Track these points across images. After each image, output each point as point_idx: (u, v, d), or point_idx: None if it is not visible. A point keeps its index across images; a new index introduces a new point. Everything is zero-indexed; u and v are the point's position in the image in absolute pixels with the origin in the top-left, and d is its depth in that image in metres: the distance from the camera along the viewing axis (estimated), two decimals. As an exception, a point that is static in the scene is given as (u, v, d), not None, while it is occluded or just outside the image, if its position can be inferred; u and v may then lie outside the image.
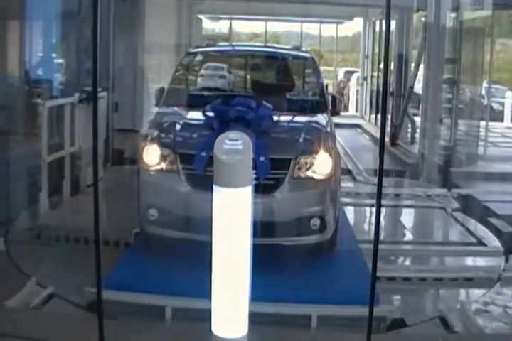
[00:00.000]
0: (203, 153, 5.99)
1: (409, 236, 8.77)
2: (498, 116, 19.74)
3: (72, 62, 11.47)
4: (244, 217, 3.31)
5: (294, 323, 5.52)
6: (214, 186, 3.24)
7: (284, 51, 9.49)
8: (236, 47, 10.23)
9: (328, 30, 25.10)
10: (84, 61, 10.60)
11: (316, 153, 6.31)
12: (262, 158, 5.97)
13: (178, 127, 6.81)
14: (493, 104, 18.18)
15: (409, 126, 14.64)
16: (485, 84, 14.97)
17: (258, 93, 7.33)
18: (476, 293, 6.58)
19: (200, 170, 5.97)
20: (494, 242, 8.06)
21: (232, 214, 3.29)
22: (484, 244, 7.98)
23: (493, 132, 16.39)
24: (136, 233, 7.24)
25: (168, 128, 6.76)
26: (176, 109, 7.55)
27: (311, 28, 25.43)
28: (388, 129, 14.14)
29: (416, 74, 14.04)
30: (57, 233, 7.39)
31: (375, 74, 19.40)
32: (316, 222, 6.17)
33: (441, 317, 5.77)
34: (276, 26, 26.17)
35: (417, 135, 13.96)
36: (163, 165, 6.31)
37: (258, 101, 6.85)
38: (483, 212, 9.24)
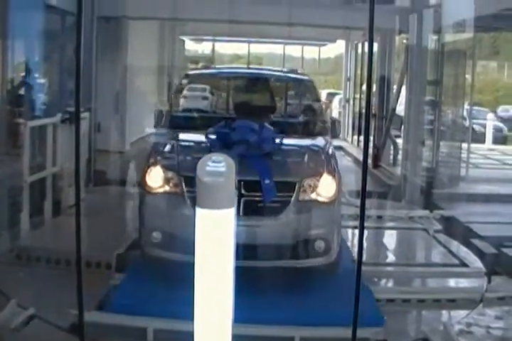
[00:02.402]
0: None
1: (391, 257, 8.77)
2: (479, 138, 19.89)
3: (55, 82, 11.46)
4: (227, 239, 3.29)
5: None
6: (197, 208, 3.23)
7: (283, 74, 9.60)
8: (236, 70, 10.23)
9: (311, 52, 25.27)
10: (66, 81, 10.59)
11: (320, 175, 6.36)
12: (267, 181, 6.04)
13: (180, 149, 6.83)
14: (474, 126, 18.30)
15: (392, 147, 14.69)
16: (466, 106, 15.08)
17: (257, 116, 7.34)
18: (459, 314, 6.57)
19: None
20: (476, 263, 8.06)
21: (214, 236, 3.27)
22: (467, 265, 7.98)
23: (475, 153, 16.49)
24: (118, 254, 7.20)
25: (170, 150, 6.78)
26: (175, 131, 7.52)
27: (294, 50, 25.59)
28: (371, 151, 14.18)
29: (398, 96, 14.13)
30: (38, 254, 7.32)
31: (358, 96, 19.49)
32: (320, 245, 6.21)
33: (424, 339, 5.77)
34: (258, 48, 26.30)
35: (400, 157, 14.02)
36: (167, 188, 6.29)
37: (260, 124, 6.89)
38: (465, 233, 9.26)
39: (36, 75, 11.49)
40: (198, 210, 3.24)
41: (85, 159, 10.37)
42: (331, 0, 13.71)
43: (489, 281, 7.51)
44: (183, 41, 22.13)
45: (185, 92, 8.88)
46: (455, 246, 8.83)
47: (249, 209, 6.05)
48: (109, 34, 12.22)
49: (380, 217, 10.16)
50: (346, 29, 17.27)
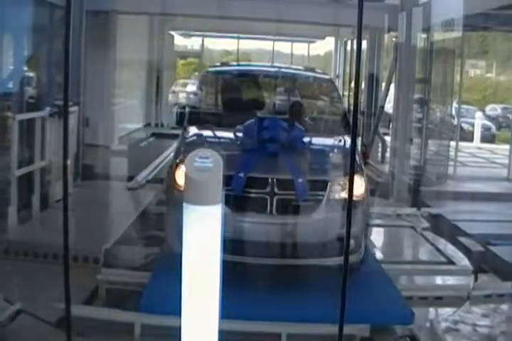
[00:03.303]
0: (241, 174, 6.05)
1: (379, 255, 8.79)
2: (468, 136, 19.97)
3: (44, 76, 11.42)
4: (214, 235, 3.28)
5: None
6: (184, 204, 3.23)
7: (304, 72, 9.58)
8: (259, 67, 10.18)
9: (300, 48, 25.25)
10: (55, 75, 10.56)
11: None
12: (300, 180, 6.06)
13: (209, 147, 6.78)
14: (463, 124, 18.37)
15: (380, 145, 14.72)
16: (455, 104, 15.12)
17: (281, 114, 7.32)
18: (446, 311, 6.60)
19: (239, 191, 6.02)
20: (463, 261, 8.10)
21: (202, 231, 3.26)
22: (454, 263, 8.01)
23: (463, 152, 16.56)
24: (106, 249, 7.20)
25: (200, 147, 6.70)
26: (201, 128, 7.45)
27: (283, 47, 25.57)
28: (359, 148, 14.19)
29: (387, 94, 14.14)
30: (25, 248, 7.30)
31: (346, 93, 19.52)
32: (351, 243, 6.19)
33: (411, 336, 5.78)
34: (248, 44, 26.28)
35: (388, 154, 14.04)
36: None
37: (290, 122, 6.91)
38: (452, 231, 9.30)
39: (25, 68, 11.44)
40: (186, 206, 3.24)
41: (73, 153, 10.35)
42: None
43: (476, 279, 7.57)
44: (173, 36, 22.08)
45: (206, 90, 8.77)
46: (442, 243, 8.86)
47: (282, 208, 6.10)
48: (98, 28, 12.17)
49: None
50: (335, 26, 17.29)
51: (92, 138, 11.89)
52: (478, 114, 22.36)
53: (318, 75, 9.33)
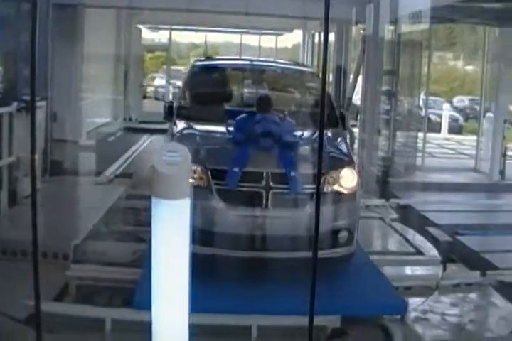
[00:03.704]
0: (236, 169, 6.10)
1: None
2: (435, 128, 20.11)
3: (10, 71, 11.29)
4: (183, 228, 3.29)
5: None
6: (153, 198, 3.23)
7: (291, 66, 9.67)
8: (244, 62, 10.07)
9: (268, 41, 25.25)
10: (22, 69, 10.44)
11: (343, 167, 6.49)
12: (293, 173, 6.13)
13: (202, 142, 6.76)
14: (430, 116, 18.49)
15: (348, 137, 14.75)
16: (422, 95, 15.22)
17: (268, 108, 7.32)
18: (415, 301, 6.65)
19: (233, 186, 6.08)
20: (432, 251, 8.17)
21: (171, 225, 3.27)
22: (422, 253, 8.08)
23: (431, 143, 16.68)
24: (75, 245, 7.16)
25: (192, 142, 6.65)
26: (191, 123, 7.41)
27: (251, 40, 25.56)
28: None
29: (354, 86, 14.19)
30: (-7, 245, 7.25)
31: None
32: (344, 235, 6.34)
33: (381, 326, 5.84)
34: (216, 37, 26.24)
35: (356, 146, 14.10)
36: (192, 181, 6.13)
37: (281, 116, 6.93)
38: (421, 221, 9.38)
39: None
40: (154, 200, 3.24)
41: (41, 149, 10.27)
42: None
43: (444, 269, 7.64)
44: (140, 30, 21.96)
45: (194, 84, 8.70)
46: (411, 234, 8.93)
47: (276, 201, 6.14)
48: (66, 22, 12.06)
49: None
50: (303, 19, 17.30)
51: (60, 133, 11.79)
52: (446, 106, 22.52)
53: (303, 69, 9.39)
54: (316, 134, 7.31)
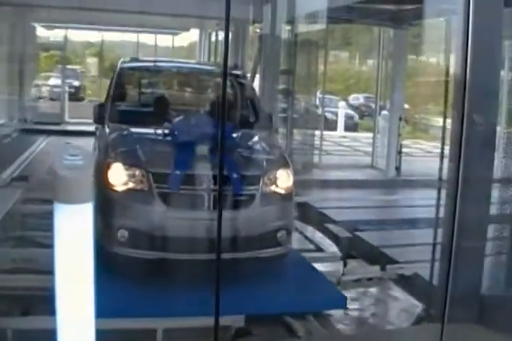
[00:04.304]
0: (178, 172, 6.07)
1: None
2: (331, 126, 20.42)
3: None
4: (86, 233, 3.23)
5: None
6: (54, 203, 3.16)
7: (214, 68, 9.56)
8: (173, 64, 9.94)
9: (165, 40, 25.12)
10: None
11: (279, 168, 6.58)
12: (235, 175, 6.15)
13: (141, 144, 6.64)
14: (326, 114, 18.77)
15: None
16: (319, 94, 15.44)
17: (198, 109, 7.27)
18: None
19: (176, 189, 6.03)
20: (332, 248, 8.30)
21: (73, 230, 3.20)
22: (322, 250, 8.19)
23: (328, 141, 16.94)
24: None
25: (130, 145, 6.59)
26: (126, 126, 7.26)
27: (148, 38, 25.36)
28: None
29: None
30: None
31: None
32: (282, 234, 6.40)
33: (285, 324, 5.89)
34: (112, 36, 25.90)
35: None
36: (131, 185, 6.16)
37: (218, 118, 6.81)
38: (319, 218, 9.50)
39: None
40: (56, 205, 3.17)
41: None
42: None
43: (345, 265, 7.77)
44: (35, 28, 21.45)
45: (125, 86, 8.52)
46: (310, 231, 9.04)
47: (219, 203, 6.07)
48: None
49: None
50: (200, 18, 17.30)
51: None
52: (342, 104, 22.90)
53: (235, 71, 9.41)
54: (250, 136, 7.42)
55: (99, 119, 7.52)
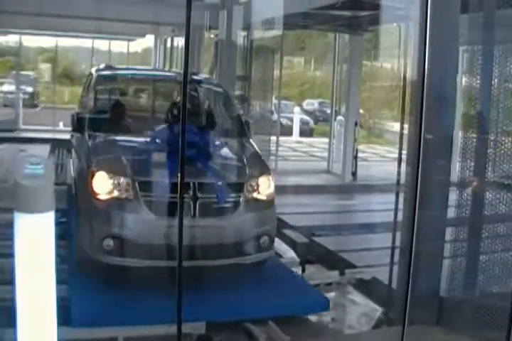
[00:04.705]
0: (163, 180, 6.09)
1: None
2: (287, 131, 20.46)
3: None
4: (48, 242, 3.21)
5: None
6: (15, 212, 3.12)
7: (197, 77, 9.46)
8: (146, 72, 9.91)
9: (119, 45, 24.98)
10: None
11: (261, 175, 6.68)
12: (219, 183, 6.28)
13: (125, 153, 6.63)
14: (282, 120, 18.82)
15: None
16: (274, 100, 15.47)
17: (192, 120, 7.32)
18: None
19: (162, 197, 6.07)
20: (289, 253, 8.30)
21: (35, 240, 3.17)
22: (280, 256, 8.19)
23: (283, 146, 16.97)
24: None
25: (113, 153, 6.61)
26: (105, 134, 7.21)
27: (102, 44, 25.19)
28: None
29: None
30: None
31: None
32: (265, 240, 6.52)
33: (245, 329, 5.89)
34: (66, 41, 25.65)
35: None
36: (117, 193, 6.14)
37: (200, 127, 6.99)
38: (277, 224, 9.49)
39: None
40: (17, 215, 3.14)
41: None
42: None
43: (303, 270, 7.79)
44: (-13, 34, 21.14)
45: (103, 94, 8.42)
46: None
47: (204, 211, 6.21)
48: None
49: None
50: (156, 24, 17.24)
51: None
52: (297, 109, 22.98)
53: (210, 80, 9.49)
54: (230, 144, 7.52)
55: (78, 128, 7.47)
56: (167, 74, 10.06)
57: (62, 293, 6.01)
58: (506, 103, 5.58)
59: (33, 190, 3.10)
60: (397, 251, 6.29)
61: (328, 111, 16.61)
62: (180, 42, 18.06)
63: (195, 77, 9.28)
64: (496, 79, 5.50)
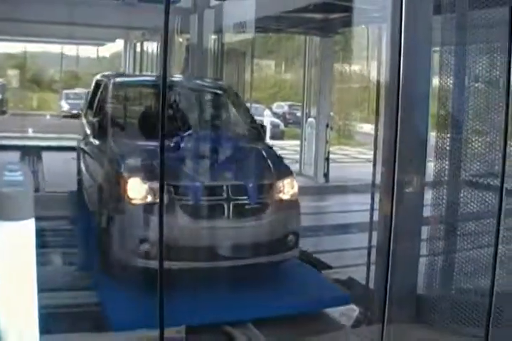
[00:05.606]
0: (198, 183, 6.38)
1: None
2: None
3: None
4: (29, 250, 3.18)
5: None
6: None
7: (202, 82, 9.80)
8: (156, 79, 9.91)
9: (86, 50, 24.91)
10: None
11: (286, 176, 6.94)
12: (250, 184, 6.49)
13: (155, 159, 6.58)
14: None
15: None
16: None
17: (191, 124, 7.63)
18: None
19: (198, 201, 6.34)
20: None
21: (15, 248, 3.14)
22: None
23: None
24: None
25: (143, 158, 6.67)
26: (130, 140, 7.30)
27: (70, 49, 25.09)
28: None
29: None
30: None
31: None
32: (291, 239, 6.78)
33: (225, 332, 5.90)
34: (33, 47, 25.52)
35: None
36: (151, 198, 6.27)
37: (220, 132, 7.43)
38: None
39: None
40: (-4, 222, 3.11)
41: None
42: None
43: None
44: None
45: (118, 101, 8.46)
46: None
47: (238, 212, 6.48)
48: None
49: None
50: (126, 29, 17.20)
51: None
52: (267, 112, 22.98)
53: (220, 84, 9.77)
54: (252, 147, 7.63)
55: (99, 135, 7.63)
56: (178, 80, 10.10)
57: (93, 299, 6.27)
58: (476, 102, 5.65)
59: (14, 197, 3.07)
60: (373, 251, 6.36)
61: (298, 113, 16.63)
62: (149, 46, 18.05)
63: (211, 84, 9.67)
64: (467, 79, 5.58)
